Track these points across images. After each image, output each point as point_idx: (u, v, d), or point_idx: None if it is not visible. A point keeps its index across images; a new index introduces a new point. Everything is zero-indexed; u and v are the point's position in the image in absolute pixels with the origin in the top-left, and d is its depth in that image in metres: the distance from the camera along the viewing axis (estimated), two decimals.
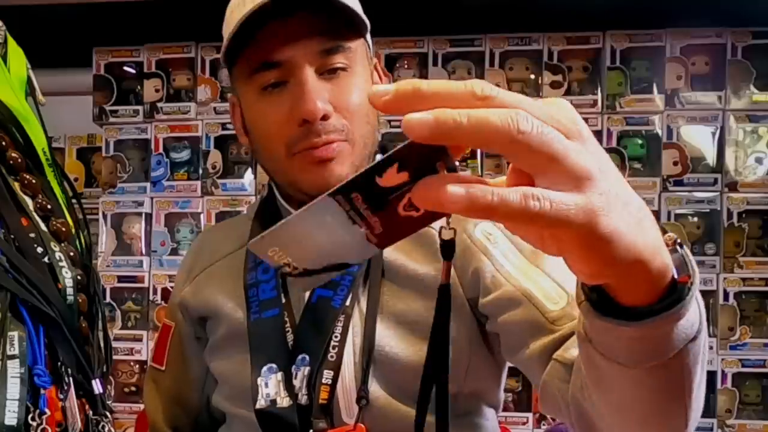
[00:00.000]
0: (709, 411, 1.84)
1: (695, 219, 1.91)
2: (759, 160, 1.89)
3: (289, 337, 0.84)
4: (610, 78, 1.92)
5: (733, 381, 1.83)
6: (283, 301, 0.86)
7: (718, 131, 1.89)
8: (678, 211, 1.89)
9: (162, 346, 0.98)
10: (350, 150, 0.82)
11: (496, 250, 0.80)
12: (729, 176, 1.88)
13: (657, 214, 1.88)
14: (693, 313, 0.45)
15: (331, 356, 0.81)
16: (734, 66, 1.89)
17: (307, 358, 0.81)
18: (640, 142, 1.93)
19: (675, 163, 1.89)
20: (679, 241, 0.45)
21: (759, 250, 1.88)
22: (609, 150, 1.90)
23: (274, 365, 0.83)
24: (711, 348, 1.83)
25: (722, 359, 1.83)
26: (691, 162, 1.89)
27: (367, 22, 0.84)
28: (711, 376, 1.84)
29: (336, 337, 0.81)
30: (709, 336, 1.83)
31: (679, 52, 1.90)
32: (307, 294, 0.85)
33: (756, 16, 1.84)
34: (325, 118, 0.80)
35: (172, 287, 1.97)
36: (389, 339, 0.81)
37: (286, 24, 0.78)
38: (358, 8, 0.83)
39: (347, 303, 0.83)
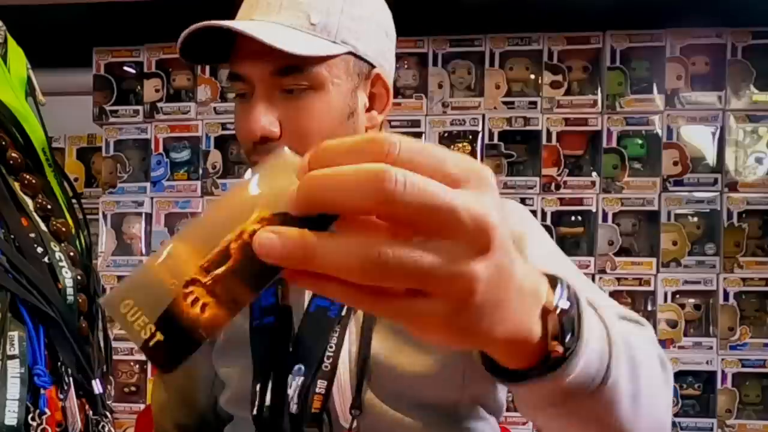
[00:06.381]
0: (709, 411, 1.84)
1: (695, 219, 1.91)
2: (759, 160, 1.89)
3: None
4: (610, 78, 1.92)
5: (733, 381, 1.83)
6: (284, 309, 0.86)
7: (718, 131, 1.89)
8: (678, 211, 1.89)
9: None
10: None
11: None
12: (729, 176, 1.88)
13: (657, 214, 1.88)
14: (587, 369, 0.45)
15: (326, 366, 0.82)
16: (734, 66, 1.89)
17: (303, 368, 0.82)
18: (640, 142, 1.93)
19: (675, 163, 1.89)
20: (564, 306, 0.43)
21: (759, 250, 1.88)
22: (609, 150, 1.90)
23: (272, 372, 0.83)
24: (711, 348, 1.84)
25: (722, 359, 1.83)
26: (691, 162, 1.89)
27: (350, 45, 0.81)
28: (711, 376, 1.84)
29: (331, 347, 0.82)
30: (709, 336, 1.84)
31: (679, 52, 1.90)
32: (306, 302, 0.85)
33: (756, 16, 1.84)
34: (266, 140, 0.79)
35: None
36: (385, 349, 0.82)
37: (248, 40, 0.77)
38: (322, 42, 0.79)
39: (343, 313, 0.83)
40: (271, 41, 0.74)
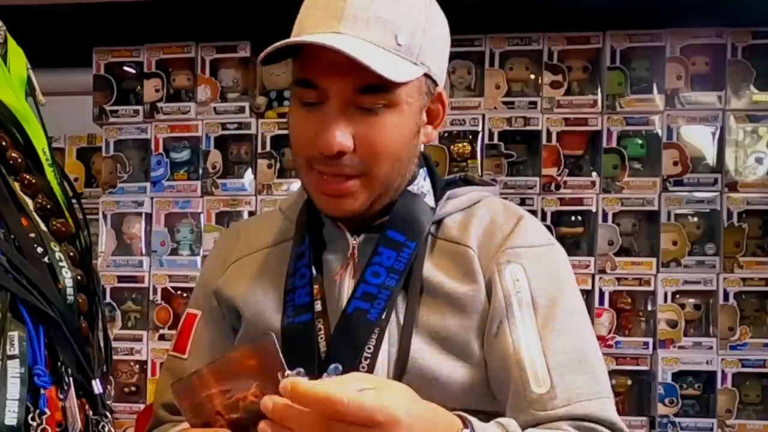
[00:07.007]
0: (709, 411, 1.84)
1: (695, 219, 1.91)
2: (759, 160, 1.89)
3: (322, 345, 0.84)
4: (610, 78, 1.92)
5: (733, 381, 1.83)
6: (319, 308, 0.86)
7: (718, 131, 1.89)
8: (678, 211, 1.89)
9: (185, 335, 0.96)
10: (367, 184, 0.83)
11: (515, 299, 0.82)
12: (729, 176, 1.88)
13: (657, 214, 1.88)
14: None
15: (363, 367, 0.82)
16: (734, 66, 1.89)
17: (340, 367, 0.81)
18: (640, 142, 1.93)
19: (675, 163, 1.89)
20: None
21: (759, 250, 1.88)
22: (609, 150, 1.90)
23: (302, 370, 0.83)
24: (711, 348, 1.84)
25: (722, 359, 1.83)
26: (691, 162, 1.89)
27: (426, 66, 0.82)
28: (711, 376, 1.84)
29: (369, 349, 0.82)
30: (709, 336, 1.84)
31: (679, 52, 1.90)
32: (344, 303, 0.85)
33: (756, 16, 1.84)
34: (341, 154, 0.80)
35: (172, 287, 1.98)
36: (423, 352, 0.83)
37: (332, 51, 0.76)
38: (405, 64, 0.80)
39: (383, 317, 0.83)
40: (376, 67, 0.75)
